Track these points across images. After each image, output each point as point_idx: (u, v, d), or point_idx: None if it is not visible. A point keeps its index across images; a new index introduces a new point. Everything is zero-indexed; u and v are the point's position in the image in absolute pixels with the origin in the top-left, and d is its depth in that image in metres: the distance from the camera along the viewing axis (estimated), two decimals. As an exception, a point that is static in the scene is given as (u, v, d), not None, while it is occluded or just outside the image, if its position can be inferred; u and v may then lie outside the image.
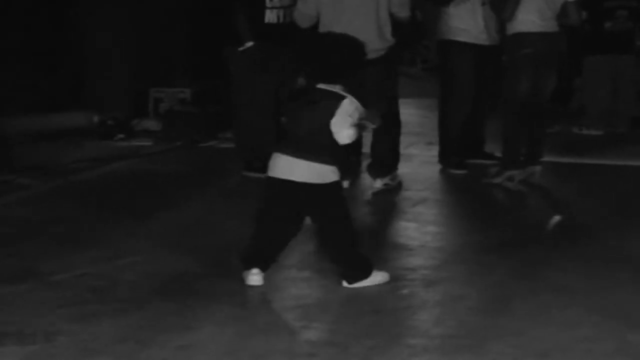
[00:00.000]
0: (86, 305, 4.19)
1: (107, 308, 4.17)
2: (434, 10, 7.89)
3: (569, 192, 7.02)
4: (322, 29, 6.69)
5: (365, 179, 7.15)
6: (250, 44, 7.24)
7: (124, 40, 10.02)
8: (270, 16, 7.30)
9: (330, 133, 4.33)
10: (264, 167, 4.56)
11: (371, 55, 6.72)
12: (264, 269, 4.52)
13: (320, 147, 4.35)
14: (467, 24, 7.40)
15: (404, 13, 6.90)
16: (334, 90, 4.39)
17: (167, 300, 4.29)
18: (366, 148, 7.24)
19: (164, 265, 4.85)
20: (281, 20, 7.31)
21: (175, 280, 4.59)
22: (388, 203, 6.65)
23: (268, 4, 7.29)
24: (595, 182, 7.38)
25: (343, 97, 4.35)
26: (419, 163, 7.90)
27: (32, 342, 3.73)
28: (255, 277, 4.49)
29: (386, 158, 6.99)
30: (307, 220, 4.54)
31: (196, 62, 10.55)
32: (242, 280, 4.50)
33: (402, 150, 7.22)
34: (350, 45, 4.59)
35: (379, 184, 6.95)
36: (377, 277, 4.54)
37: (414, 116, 10.21)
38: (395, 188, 6.93)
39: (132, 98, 10.09)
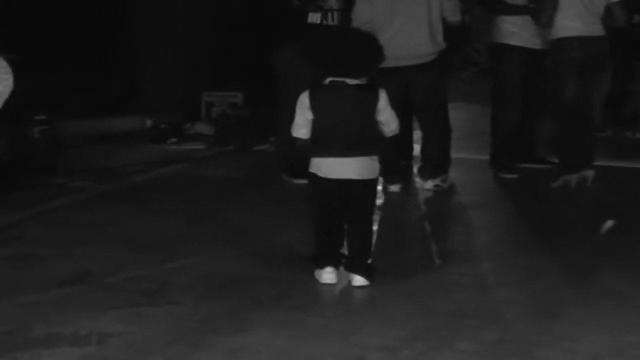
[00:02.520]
0: (139, 307, 4.25)
1: (160, 310, 4.22)
2: (485, 14, 7.85)
3: (622, 196, 6.95)
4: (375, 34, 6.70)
5: (417, 183, 7.14)
6: None
7: (176, 45, 10.11)
8: (313, 17, 7.21)
9: (375, 126, 4.37)
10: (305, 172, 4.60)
11: (423, 59, 6.79)
12: (337, 266, 4.58)
13: (369, 141, 4.38)
14: (518, 27, 7.35)
15: (455, 17, 6.94)
16: (364, 83, 4.44)
17: (218, 302, 4.33)
18: (417, 152, 7.26)
19: (216, 267, 4.90)
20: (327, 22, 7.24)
21: (226, 283, 4.63)
22: (439, 207, 6.64)
23: None
24: (648, 187, 7.32)
25: (377, 89, 4.38)
26: (470, 167, 7.86)
27: (86, 344, 3.79)
28: (329, 276, 4.56)
29: (437, 159, 6.99)
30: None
31: (248, 65, 10.60)
32: (292, 283, 4.55)
33: (453, 154, 7.19)
34: (369, 39, 4.60)
35: (429, 185, 6.95)
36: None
37: (464, 120, 10.14)
38: (446, 191, 6.92)
39: (184, 102, 10.16)
